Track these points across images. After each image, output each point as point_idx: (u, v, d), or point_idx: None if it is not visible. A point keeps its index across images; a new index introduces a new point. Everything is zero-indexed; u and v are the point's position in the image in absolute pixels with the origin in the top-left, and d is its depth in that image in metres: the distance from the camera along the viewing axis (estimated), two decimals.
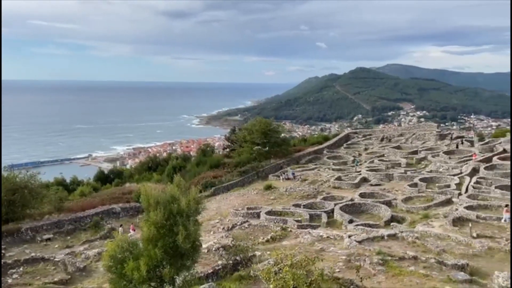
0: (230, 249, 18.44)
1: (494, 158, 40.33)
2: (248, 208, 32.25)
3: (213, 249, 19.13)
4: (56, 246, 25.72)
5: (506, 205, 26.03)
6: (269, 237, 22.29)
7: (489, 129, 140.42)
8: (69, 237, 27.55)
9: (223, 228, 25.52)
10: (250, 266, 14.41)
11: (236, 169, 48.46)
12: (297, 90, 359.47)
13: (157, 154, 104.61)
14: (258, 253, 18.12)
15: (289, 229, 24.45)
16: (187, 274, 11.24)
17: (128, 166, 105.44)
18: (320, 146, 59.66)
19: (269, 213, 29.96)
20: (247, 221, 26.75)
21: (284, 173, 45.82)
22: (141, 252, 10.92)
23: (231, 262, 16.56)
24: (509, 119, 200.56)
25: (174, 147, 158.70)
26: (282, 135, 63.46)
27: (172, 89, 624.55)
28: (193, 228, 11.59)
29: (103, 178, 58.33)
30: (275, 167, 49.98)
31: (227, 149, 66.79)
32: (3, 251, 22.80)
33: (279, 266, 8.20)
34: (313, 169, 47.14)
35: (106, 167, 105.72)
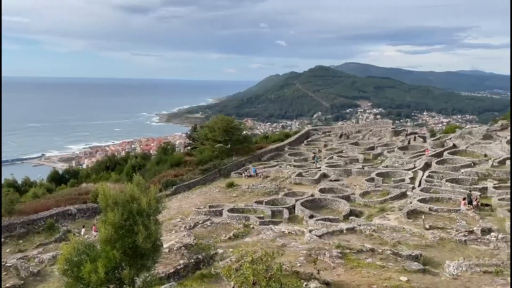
0: (192, 248, 18.29)
1: (445, 153, 42.49)
2: (210, 206, 32.11)
3: (175, 248, 18.88)
4: (8, 250, 24.41)
5: (464, 198, 27.60)
6: (231, 235, 22.30)
7: (440, 125, 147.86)
8: (21, 241, 26.22)
9: (185, 227, 25.23)
10: (212, 264, 14.40)
11: (197, 167, 48.07)
12: (258, 88, 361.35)
13: (115, 153, 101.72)
14: (220, 250, 18.10)
15: (251, 226, 24.57)
16: (147, 275, 11.02)
17: (84, 166, 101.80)
18: (282, 143, 60.36)
19: (231, 210, 29.98)
20: (209, 219, 26.60)
21: (246, 171, 45.99)
22: (99, 254, 10.59)
23: (193, 261, 16.43)
24: (459, 116, 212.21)
25: (133, 146, 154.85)
26: (244, 132, 63.69)
27: (131, 86, 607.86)
28: (153, 227, 11.38)
29: (58, 179, 55.91)
30: (237, 165, 50.03)
31: (189, 147, 66.12)
32: None
33: (240, 262, 8.26)
34: (274, 166, 47.60)
35: (61, 167, 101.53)
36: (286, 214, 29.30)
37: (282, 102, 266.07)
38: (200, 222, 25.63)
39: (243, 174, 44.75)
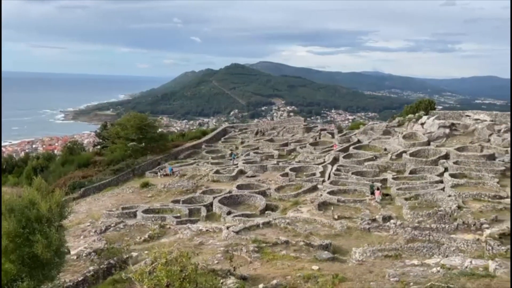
0: (103, 253, 17.27)
1: (351, 148, 45.75)
2: (123, 208, 30.67)
3: (84, 254, 17.66)
4: None
5: (378, 188, 29.93)
6: (146, 236, 21.54)
7: (346, 122, 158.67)
8: None
9: (95, 231, 23.75)
10: (126, 268, 13.72)
11: (108, 168, 45.54)
12: (174, 84, 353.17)
13: (13, 154, 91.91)
14: (134, 254, 17.35)
15: (168, 226, 23.99)
16: (50, 285, 10.13)
17: None
18: (199, 141, 59.81)
19: (146, 211, 28.95)
20: (122, 221, 25.37)
21: (162, 169, 44.74)
22: None
23: (104, 266, 15.50)
24: (363, 113, 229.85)
25: (34, 146, 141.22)
26: (159, 130, 61.84)
27: (31, 80, 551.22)
28: (56, 234, 10.51)
29: None
30: (152, 164, 48.41)
31: (98, 146, 62.22)
32: None
33: (153, 265, 7.99)
34: (192, 164, 47.00)
35: None
36: (203, 212, 29.12)
37: (199, 99, 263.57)
38: (112, 225, 24.35)
39: (158, 173, 43.45)
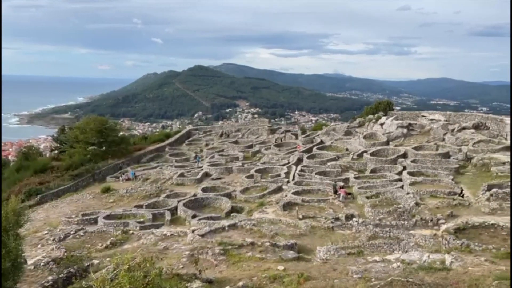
0: (62, 261, 16.59)
1: (314, 149, 46.58)
2: (83, 215, 29.66)
3: (42, 264, 16.89)
4: None
5: (342, 187, 30.57)
6: (108, 243, 20.90)
7: (309, 123, 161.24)
8: None
9: (54, 240, 22.79)
10: (87, 276, 13.26)
11: (67, 173, 43.85)
12: (135, 86, 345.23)
13: None
14: (96, 261, 16.80)
15: (131, 232, 23.41)
16: None
17: None
18: (162, 144, 58.87)
19: (108, 217, 28.16)
20: (82, 228, 24.49)
21: (124, 174, 43.67)
22: None
23: (63, 275, 14.91)
24: (325, 114, 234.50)
25: None
26: (121, 133, 60.32)
27: None
28: (13, 244, 10.02)
29: None
30: (113, 168, 47.11)
31: (56, 151, 59.76)
32: None
33: (115, 272, 7.77)
34: (155, 167, 46.20)
35: None
36: (168, 216, 28.69)
37: (162, 101, 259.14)
38: (72, 232, 23.46)
39: (120, 178, 42.35)
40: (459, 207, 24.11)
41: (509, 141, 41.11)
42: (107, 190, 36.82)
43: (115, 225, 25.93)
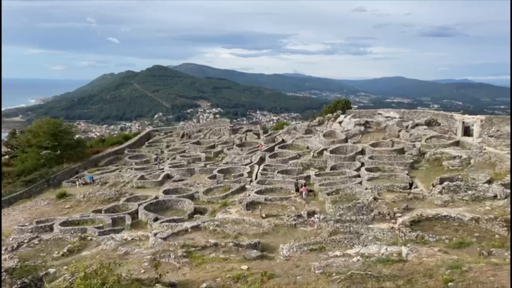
0: (15, 272, 15.73)
1: (276, 148, 47.04)
2: (37, 222, 28.26)
3: None
4: None
5: (304, 184, 30.94)
6: (65, 250, 20.07)
7: (271, 122, 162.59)
8: None
9: (6, 249, 21.60)
10: (42, 286, 12.67)
11: (19, 179, 41.69)
12: (91, 87, 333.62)
13: None
14: (52, 270, 16.06)
15: (89, 238, 22.61)
16: None
17: None
18: (121, 146, 57.37)
19: (64, 223, 27.02)
20: (37, 236, 23.37)
21: (81, 178, 42.10)
22: None
23: (17, 286, 14.15)
24: (286, 114, 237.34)
25: None
26: (76, 136, 58.19)
27: None
28: None
29: None
30: (69, 172, 45.31)
31: (6, 156, 56.61)
32: None
33: (70, 280, 7.47)
34: (114, 170, 44.93)
35: None
36: (128, 220, 27.97)
37: (120, 102, 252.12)
38: (26, 241, 22.34)
39: (77, 182, 40.80)
40: (414, 201, 25.18)
41: (459, 136, 43.48)
42: (63, 195, 35.36)
43: (72, 232, 24.94)
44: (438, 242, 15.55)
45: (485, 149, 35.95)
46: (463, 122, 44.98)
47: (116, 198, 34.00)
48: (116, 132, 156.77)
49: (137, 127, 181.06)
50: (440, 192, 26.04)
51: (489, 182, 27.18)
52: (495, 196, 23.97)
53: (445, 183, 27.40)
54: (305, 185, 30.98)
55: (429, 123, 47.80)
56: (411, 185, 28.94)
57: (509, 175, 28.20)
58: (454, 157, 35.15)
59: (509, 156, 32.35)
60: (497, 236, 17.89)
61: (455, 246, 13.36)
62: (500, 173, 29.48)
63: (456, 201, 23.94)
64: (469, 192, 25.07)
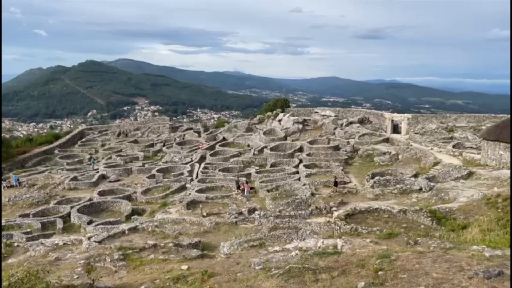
0: None
1: (217, 146, 46.92)
2: None
3: None
4: None
5: (246, 182, 31.01)
6: None
7: (212, 120, 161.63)
8: None
9: None
10: None
11: None
12: (16, 83, 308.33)
13: None
14: None
15: (16, 244, 20.99)
16: None
17: None
18: (51, 146, 53.90)
19: None
20: None
21: (5, 180, 38.92)
22: None
23: None
24: (227, 112, 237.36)
25: None
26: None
27: None
28: None
29: None
30: None
31: None
32: None
33: None
34: (43, 171, 42.12)
35: None
36: (60, 224, 26.40)
37: (49, 99, 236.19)
38: None
39: (1, 185, 37.65)
40: (348, 195, 26.45)
41: (388, 133, 46.34)
42: None
43: None
44: (370, 233, 16.46)
45: (411, 145, 38.69)
46: (392, 120, 48.05)
47: (46, 201, 31.97)
48: (45, 130, 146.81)
49: (69, 126, 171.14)
50: (372, 186, 27.61)
51: (415, 176, 29.33)
52: (421, 189, 25.92)
53: (376, 177, 29.10)
54: (247, 183, 31.26)
55: (362, 121, 50.44)
56: (336, 183, 29.45)
57: (433, 169, 30.65)
58: (384, 153, 37.43)
59: (432, 151, 35.11)
60: (422, 226, 19.36)
61: (385, 237, 14.23)
62: (424, 167, 31.91)
63: (386, 194, 25.54)
64: (398, 185, 26.86)
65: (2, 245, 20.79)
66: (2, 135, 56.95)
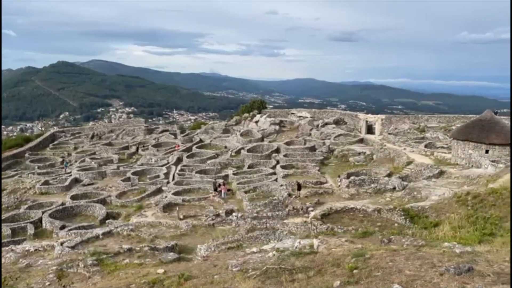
0: None
1: (193, 147, 46.56)
2: None
3: None
4: None
5: (223, 183, 30.79)
6: None
7: (188, 122, 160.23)
8: None
9: None
10: None
11: None
12: None
13: None
14: None
15: None
16: None
17: None
18: (21, 149, 52.23)
19: None
20: None
21: None
22: None
23: None
24: (204, 113, 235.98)
25: None
26: None
27: None
28: None
29: None
30: None
31: None
32: None
33: None
34: (13, 176, 40.73)
35: None
36: (31, 229, 25.59)
37: (19, 101, 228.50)
38: None
39: None
40: (324, 195, 26.75)
41: (363, 134, 47.15)
42: None
43: None
44: (345, 232, 16.72)
45: (385, 145, 39.51)
46: (367, 121, 48.94)
47: (16, 206, 30.94)
48: (15, 133, 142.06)
49: (40, 128, 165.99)
50: (347, 186, 28.02)
51: (389, 175, 29.96)
52: (394, 188, 26.50)
53: (352, 177, 29.55)
54: (224, 184, 31.15)
55: (337, 122, 51.15)
56: (299, 186, 28.20)
57: (406, 169, 31.38)
58: (359, 153, 38.07)
59: (405, 151, 35.96)
60: (396, 224, 19.80)
61: (360, 236, 14.48)
62: (398, 167, 32.64)
63: (361, 194, 25.98)
64: (372, 185, 27.37)
65: None
66: None
